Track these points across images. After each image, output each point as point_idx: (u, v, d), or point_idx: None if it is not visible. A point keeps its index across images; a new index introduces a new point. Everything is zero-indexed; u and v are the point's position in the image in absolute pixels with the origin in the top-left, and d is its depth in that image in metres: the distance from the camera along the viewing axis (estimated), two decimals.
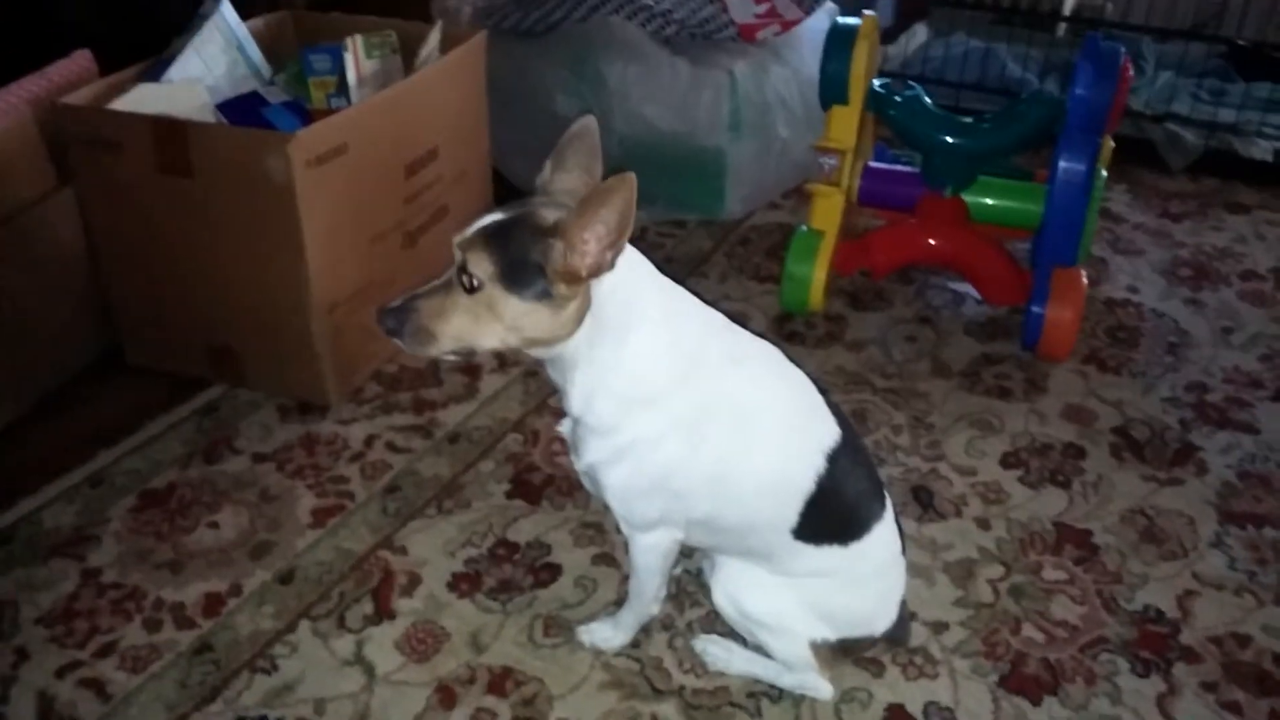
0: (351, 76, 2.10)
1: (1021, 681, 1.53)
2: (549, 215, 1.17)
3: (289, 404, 2.05)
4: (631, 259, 1.23)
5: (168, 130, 1.81)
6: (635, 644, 1.56)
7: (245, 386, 2.08)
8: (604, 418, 1.27)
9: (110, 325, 2.09)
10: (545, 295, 1.16)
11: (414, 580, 1.68)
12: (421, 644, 1.56)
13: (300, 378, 2.02)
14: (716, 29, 2.72)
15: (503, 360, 2.20)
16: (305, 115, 2.04)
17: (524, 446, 1.98)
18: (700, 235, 2.74)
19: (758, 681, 1.50)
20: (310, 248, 1.85)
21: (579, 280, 1.16)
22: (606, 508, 1.39)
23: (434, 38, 2.19)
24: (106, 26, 2.15)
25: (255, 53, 2.17)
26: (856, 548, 1.38)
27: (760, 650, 1.48)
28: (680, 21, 2.70)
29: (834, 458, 1.32)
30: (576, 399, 1.27)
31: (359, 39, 2.13)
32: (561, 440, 1.52)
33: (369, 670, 1.52)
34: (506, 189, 2.66)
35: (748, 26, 2.71)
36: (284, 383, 2.05)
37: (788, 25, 2.73)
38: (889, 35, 3.55)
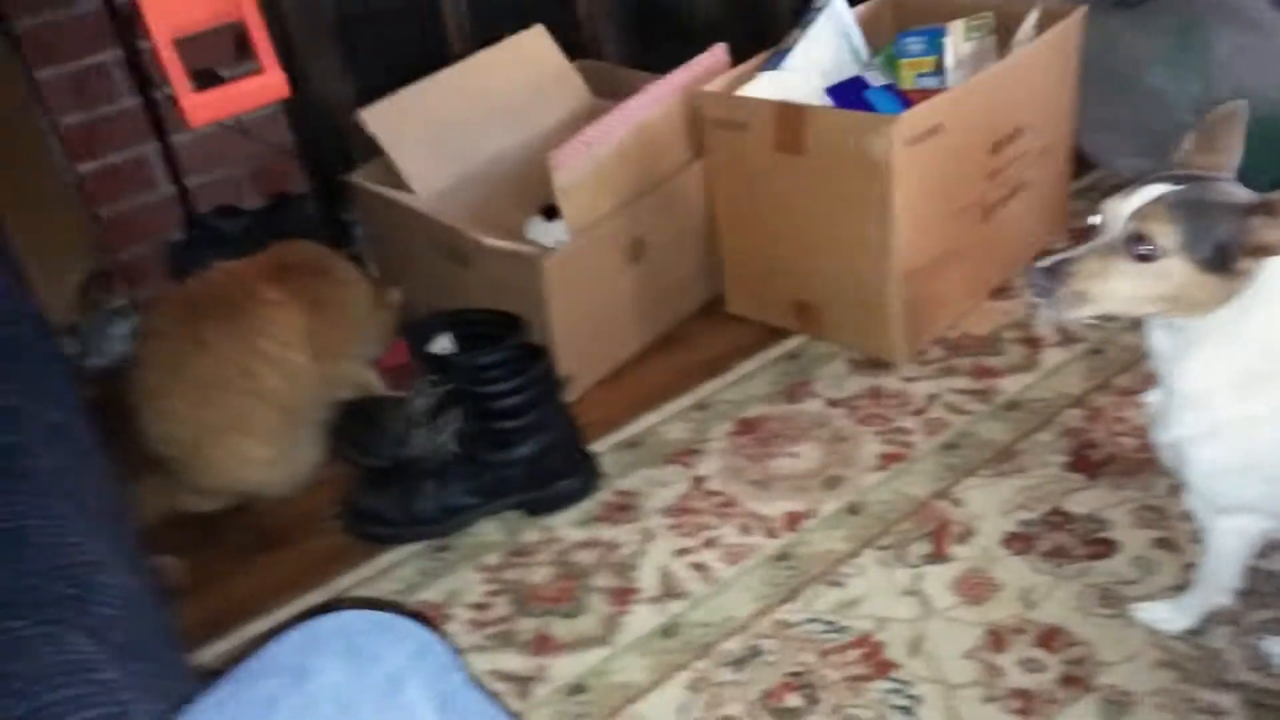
0: (950, 59, 2.23)
1: None
2: (1238, 192, 1.20)
3: (859, 358, 2.27)
4: None
5: (787, 113, 2.10)
6: (1195, 631, 1.55)
7: (823, 338, 2.34)
8: (1211, 391, 1.28)
9: (717, 277, 2.47)
10: (1223, 268, 1.18)
11: (969, 531, 1.81)
12: (974, 589, 1.70)
13: (872, 335, 2.23)
14: None
15: (1067, 335, 2.23)
16: (901, 96, 2.22)
17: (1085, 422, 2.00)
18: None
19: None
20: (898, 219, 2.04)
21: (1265, 254, 1.18)
22: (1181, 489, 1.40)
23: (1031, 18, 2.24)
24: (737, 23, 2.52)
25: (858, 38, 2.39)
26: None
27: None
28: None
29: None
30: (1188, 369, 1.28)
31: (960, 23, 2.25)
32: (1129, 415, 1.53)
33: (925, 602, 1.70)
34: (1081, 163, 2.64)
35: None
36: (858, 338, 2.27)
37: None
38: None
